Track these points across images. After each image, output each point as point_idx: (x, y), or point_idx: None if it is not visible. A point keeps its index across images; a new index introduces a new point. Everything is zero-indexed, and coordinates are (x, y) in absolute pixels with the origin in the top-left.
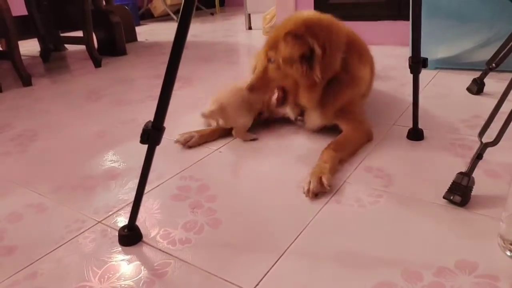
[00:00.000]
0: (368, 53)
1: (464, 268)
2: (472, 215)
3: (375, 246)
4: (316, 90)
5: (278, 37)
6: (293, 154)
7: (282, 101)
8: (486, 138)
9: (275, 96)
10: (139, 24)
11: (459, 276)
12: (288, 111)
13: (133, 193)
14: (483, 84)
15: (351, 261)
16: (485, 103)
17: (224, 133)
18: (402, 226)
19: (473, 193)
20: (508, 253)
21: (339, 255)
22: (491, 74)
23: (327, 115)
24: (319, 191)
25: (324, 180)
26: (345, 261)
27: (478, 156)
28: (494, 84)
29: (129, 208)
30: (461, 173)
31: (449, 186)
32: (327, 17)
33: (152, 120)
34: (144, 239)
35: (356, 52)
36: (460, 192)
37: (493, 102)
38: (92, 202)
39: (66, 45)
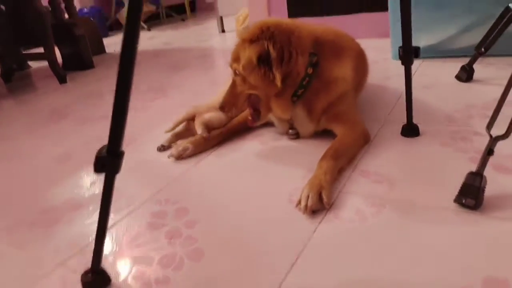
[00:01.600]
0: (349, 50)
1: None
2: (489, 219)
3: (385, 269)
4: (284, 98)
5: (238, 48)
6: (280, 162)
7: (255, 117)
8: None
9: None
10: (107, 35)
11: None
12: (277, 126)
13: None
14: (472, 71)
15: None
16: (477, 91)
17: (221, 139)
18: (413, 240)
19: (485, 193)
20: None
21: (344, 286)
22: (478, 59)
23: (315, 120)
24: (318, 208)
25: (324, 196)
26: None
27: (489, 152)
28: (483, 69)
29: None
30: (472, 172)
31: (459, 188)
32: (287, 21)
33: (134, 139)
34: (114, 282)
35: (329, 52)
36: (472, 194)
37: (485, 89)
38: (52, 241)
39: (30, 63)
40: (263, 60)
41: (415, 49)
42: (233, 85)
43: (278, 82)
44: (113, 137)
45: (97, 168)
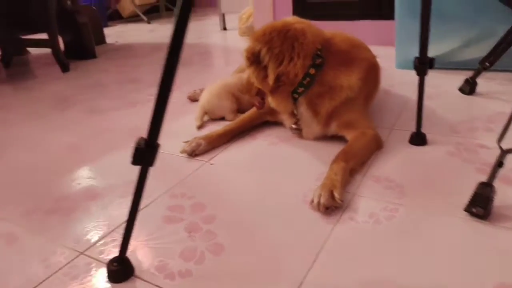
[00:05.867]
0: (361, 60)
1: None
2: (497, 229)
3: (399, 271)
4: (280, 94)
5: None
6: (293, 163)
7: (260, 105)
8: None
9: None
10: (106, 26)
11: None
12: (284, 119)
13: (118, 216)
14: (475, 84)
15: None
16: (481, 104)
17: (233, 136)
18: (426, 245)
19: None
20: None
21: (364, 286)
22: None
23: (322, 123)
24: (331, 205)
25: (336, 194)
26: None
27: (499, 164)
28: (484, 83)
29: (115, 235)
30: (482, 183)
31: (469, 197)
32: (298, 26)
33: (141, 135)
34: (136, 273)
35: (338, 59)
36: (482, 204)
37: (488, 103)
38: (71, 229)
39: (29, 49)
40: (254, 60)
41: (430, 60)
42: (249, 74)
43: (271, 81)
44: (152, 130)
45: (136, 160)
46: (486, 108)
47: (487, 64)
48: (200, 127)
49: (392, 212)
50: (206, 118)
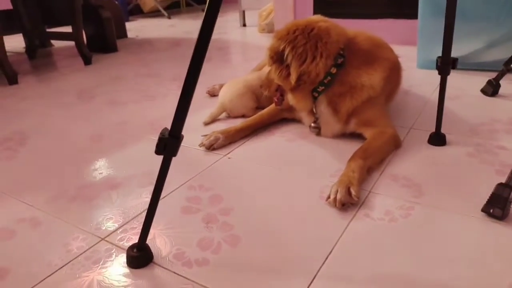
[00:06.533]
0: (383, 60)
1: None
2: None
3: (415, 268)
4: (300, 92)
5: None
6: (310, 160)
7: (279, 101)
8: None
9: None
10: (128, 20)
11: None
12: (303, 117)
13: (137, 205)
14: (498, 86)
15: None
16: (502, 106)
17: (251, 131)
18: (441, 243)
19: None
20: None
21: (377, 280)
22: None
23: (342, 121)
24: (347, 201)
25: (353, 191)
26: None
27: None
28: (507, 85)
29: (134, 223)
30: (501, 184)
31: (488, 198)
32: (323, 25)
33: (165, 126)
34: (155, 259)
35: (361, 58)
36: (500, 205)
37: (510, 105)
38: (93, 215)
39: (52, 41)
40: (278, 59)
41: (453, 60)
42: (270, 71)
43: (293, 80)
44: (176, 120)
45: (159, 148)
46: (507, 110)
47: (511, 66)
48: (208, 124)
49: (408, 210)
50: (223, 115)
